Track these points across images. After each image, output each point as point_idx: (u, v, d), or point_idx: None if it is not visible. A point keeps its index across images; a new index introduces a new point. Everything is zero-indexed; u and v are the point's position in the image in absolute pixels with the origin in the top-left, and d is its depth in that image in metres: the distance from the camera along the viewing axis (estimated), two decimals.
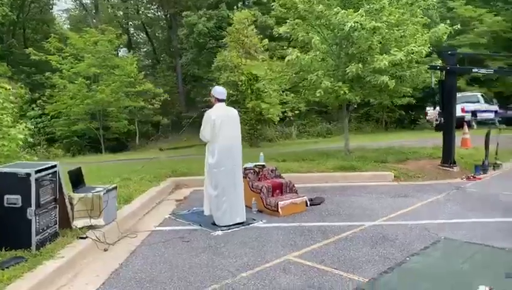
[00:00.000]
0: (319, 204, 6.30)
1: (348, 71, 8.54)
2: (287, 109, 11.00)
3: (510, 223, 5.23)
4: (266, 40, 20.50)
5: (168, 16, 30.95)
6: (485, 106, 19.93)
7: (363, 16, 8.12)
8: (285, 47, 11.02)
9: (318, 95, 8.80)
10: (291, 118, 20.26)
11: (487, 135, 8.95)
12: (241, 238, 4.93)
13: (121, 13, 33.92)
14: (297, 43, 10.10)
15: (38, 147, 19.61)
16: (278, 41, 24.88)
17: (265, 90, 11.28)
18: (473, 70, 10.33)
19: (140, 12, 34.46)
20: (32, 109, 20.17)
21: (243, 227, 5.34)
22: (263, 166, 6.46)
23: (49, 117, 21.52)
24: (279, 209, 5.74)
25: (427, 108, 20.91)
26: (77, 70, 20.32)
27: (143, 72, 23.27)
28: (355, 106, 10.79)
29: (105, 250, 4.63)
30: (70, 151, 20.79)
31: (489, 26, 24.73)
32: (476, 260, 4.05)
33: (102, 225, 4.96)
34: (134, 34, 38.13)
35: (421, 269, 3.90)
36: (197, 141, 25.11)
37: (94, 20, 30.09)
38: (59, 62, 20.64)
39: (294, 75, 9.89)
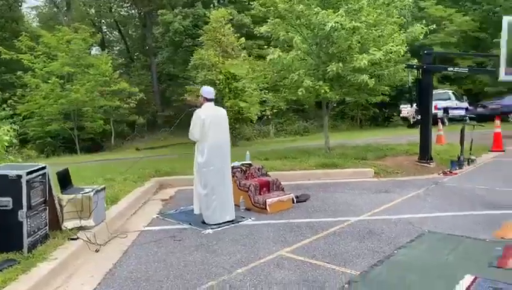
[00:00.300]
0: (305, 201, 6.43)
1: (328, 70, 8.70)
2: (267, 108, 11.12)
3: (487, 216, 5.47)
4: (243, 38, 20.57)
5: (142, 14, 30.60)
6: (456, 103, 20.57)
7: (343, 16, 8.29)
8: (265, 46, 11.09)
9: (300, 94, 8.94)
10: (269, 116, 20.45)
11: (462, 131, 9.28)
12: (232, 236, 5.00)
13: (93, 11, 33.35)
14: (278, 43, 10.22)
15: (11, 148, 19.14)
16: (255, 40, 25.09)
17: (246, 89, 11.34)
18: (448, 69, 10.67)
19: (113, 10, 33.94)
20: (3, 109, 19.63)
21: (233, 225, 5.42)
22: (250, 165, 6.55)
23: (21, 117, 20.97)
24: (267, 207, 5.84)
25: (401, 106, 21.52)
26: (50, 69, 19.92)
27: (118, 71, 22.98)
28: (335, 105, 10.98)
29: (97, 251, 4.62)
30: (44, 152, 20.34)
31: (458, 26, 25.53)
32: (459, 251, 4.25)
33: (92, 225, 4.94)
34: (107, 33, 37.54)
35: (409, 261, 4.07)
36: (173, 141, 25.08)
37: (65, 18, 29.44)
38: (31, 61, 20.18)
39: (275, 74, 10.01)
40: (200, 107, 5.56)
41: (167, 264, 4.22)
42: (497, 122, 11.57)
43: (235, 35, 20.32)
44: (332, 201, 6.48)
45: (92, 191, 5.06)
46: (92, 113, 21.01)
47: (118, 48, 37.72)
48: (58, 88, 19.58)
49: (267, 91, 13.93)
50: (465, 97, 22.02)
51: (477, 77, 24.63)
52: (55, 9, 34.09)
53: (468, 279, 3.57)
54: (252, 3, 10.92)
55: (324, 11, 8.55)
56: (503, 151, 11.05)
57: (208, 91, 5.57)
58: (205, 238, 4.99)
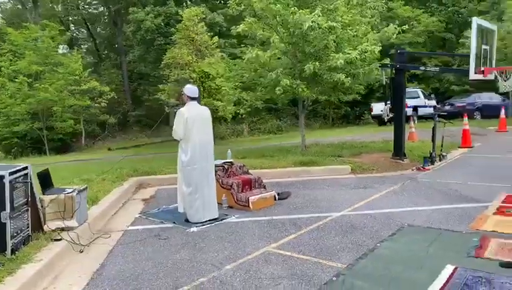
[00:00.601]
0: (286, 198, 6.53)
1: (305, 69, 8.82)
2: (243, 107, 11.16)
3: (461, 209, 5.69)
4: (216, 37, 20.56)
5: (112, 11, 30.05)
6: (425, 102, 21.16)
7: (319, 15, 8.43)
8: (242, 45, 11.13)
9: (278, 92, 9.04)
10: (243, 115, 20.51)
11: (433, 129, 9.59)
12: (218, 233, 5.04)
13: (60, 8, 32.50)
14: (254, 42, 10.28)
15: None
16: (227, 39, 25.09)
17: (223, 88, 11.36)
18: (420, 68, 11.00)
19: (81, 7, 33.18)
20: None
21: (217, 223, 5.45)
22: (231, 163, 6.60)
23: None
24: (250, 204, 5.90)
25: (372, 104, 21.99)
26: (17, 67, 19.32)
27: (88, 70, 22.50)
28: (311, 103, 11.15)
29: (81, 251, 4.57)
30: (11, 153, 19.72)
31: (425, 26, 26.29)
32: (439, 243, 4.43)
33: (76, 226, 4.88)
34: (75, 31, 36.64)
35: (392, 254, 4.21)
36: (146, 140, 24.69)
37: (32, 15, 28.57)
38: None
39: (252, 72, 10.07)
40: (183, 105, 5.56)
41: (155, 262, 4.22)
42: (466, 119, 12.01)
43: (209, 34, 20.29)
44: (312, 197, 6.60)
45: (75, 191, 4.99)
46: (62, 112, 20.49)
47: (86, 46, 36.88)
48: (25, 87, 19.01)
49: (241, 90, 14.01)
50: (433, 95, 22.68)
51: (444, 76, 25.45)
52: (19, 6, 33.01)
53: (449, 269, 3.74)
54: (228, 2, 10.92)
55: (301, 10, 8.67)
56: (472, 147, 11.49)
57: (192, 90, 5.57)
58: (190, 236, 5.01)
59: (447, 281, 3.51)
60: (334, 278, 3.67)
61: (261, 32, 9.31)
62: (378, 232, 4.86)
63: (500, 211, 5.51)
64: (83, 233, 4.90)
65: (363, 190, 7.02)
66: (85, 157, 15.15)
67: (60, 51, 24.56)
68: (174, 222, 5.50)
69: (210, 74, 18.14)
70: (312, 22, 8.29)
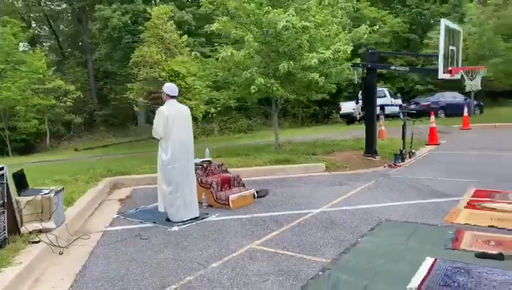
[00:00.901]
0: (264, 196, 6.58)
1: (280, 68, 8.90)
2: (217, 106, 11.16)
3: (434, 204, 5.90)
4: (186, 36, 20.40)
5: (77, 8, 29.26)
6: (391, 100, 21.72)
7: (294, 15, 8.52)
8: (215, 44, 11.08)
9: (253, 91, 9.08)
10: (213, 114, 20.45)
11: (403, 127, 9.88)
12: (200, 232, 5.03)
13: (21, 4, 31.36)
14: (228, 41, 10.28)
15: None
16: (196, 38, 24.94)
17: (195, 87, 11.29)
18: (391, 68, 11.29)
19: (42, 4, 32.13)
20: None
21: (198, 222, 5.44)
22: (210, 161, 6.58)
23: None
24: (230, 203, 5.92)
25: (340, 103, 22.39)
26: None
27: (52, 68, 21.83)
28: (283, 102, 11.24)
29: (61, 253, 4.46)
30: None
31: (391, 27, 26.98)
32: (416, 237, 4.59)
33: (53, 227, 4.75)
34: (37, 28, 35.44)
35: (373, 248, 4.33)
36: (113, 140, 24.17)
37: None
38: None
39: (226, 72, 10.06)
40: (163, 104, 5.51)
41: (139, 262, 4.17)
42: (432, 118, 12.43)
43: (178, 32, 20.11)
44: (290, 195, 6.68)
45: (52, 192, 4.86)
46: (25, 112, 19.82)
47: (48, 44, 35.75)
48: None
49: (211, 89, 13.97)
50: (399, 95, 23.31)
51: (408, 75, 26.21)
52: None
53: (429, 261, 3.88)
54: (200, 0, 10.86)
55: (275, 10, 8.73)
56: (439, 144, 11.91)
57: (171, 89, 5.52)
58: (172, 235, 4.97)
59: (428, 273, 3.65)
60: (320, 273, 3.74)
61: (235, 31, 9.31)
62: (358, 227, 4.98)
63: (470, 205, 5.75)
64: (61, 235, 4.78)
65: (339, 187, 7.17)
66: (51, 158, 14.72)
67: (21, 49, 23.73)
68: (154, 222, 5.44)
69: (180, 73, 17.99)
70: (286, 21, 8.37)
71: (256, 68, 9.35)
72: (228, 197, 5.94)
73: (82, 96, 23.41)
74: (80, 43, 30.67)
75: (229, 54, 8.82)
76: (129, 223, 5.55)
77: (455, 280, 3.48)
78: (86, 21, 27.72)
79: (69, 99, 21.69)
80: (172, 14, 20.91)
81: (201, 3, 10.85)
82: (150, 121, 24.56)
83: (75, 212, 5.62)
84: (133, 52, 20.31)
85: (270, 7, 9.07)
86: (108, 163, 9.30)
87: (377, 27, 10.36)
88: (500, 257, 3.92)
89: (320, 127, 21.61)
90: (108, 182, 7.79)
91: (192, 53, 11.59)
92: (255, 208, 5.97)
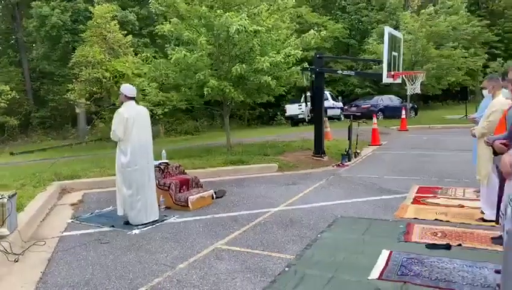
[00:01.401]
0: (222, 197, 6.65)
1: (233, 71, 9.00)
2: (168, 107, 11.06)
3: (383, 200, 6.28)
4: (130, 36, 19.98)
5: (10, 5, 27.61)
6: (333, 103, 22.52)
7: (246, 19, 8.66)
8: (166, 45, 10.97)
9: (206, 93, 9.11)
10: (159, 116, 20.12)
11: (349, 128, 10.33)
12: (162, 234, 5.01)
13: None
14: (180, 42, 10.23)
15: None
16: (140, 38, 24.43)
17: (143, 88, 11.11)
18: (338, 72, 11.75)
19: None
20: None
21: (158, 224, 5.41)
22: (167, 163, 6.55)
23: None
24: (190, 204, 5.94)
25: (286, 105, 22.88)
26: None
27: None
28: (234, 104, 11.34)
29: (16, 261, 4.28)
30: None
31: (331, 32, 27.90)
32: (371, 231, 4.88)
33: (7, 234, 4.55)
34: None
35: (333, 243, 4.56)
36: (51, 143, 23.04)
37: None
38: None
39: (178, 73, 10.00)
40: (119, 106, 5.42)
41: (103, 266, 4.11)
42: (375, 119, 13.09)
43: (122, 32, 19.63)
44: (248, 195, 6.80)
45: (5, 197, 4.64)
46: None
47: None
48: None
49: (159, 90, 13.80)
50: (340, 98, 24.21)
51: (349, 79, 27.30)
52: None
53: (385, 253, 4.16)
54: (148, 1, 10.72)
55: (227, 13, 8.83)
56: (380, 145, 12.56)
57: (129, 89, 5.45)
58: (134, 239, 4.92)
59: (386, 264, 3.92)
60: (287, 269, 3.90)
61: (187, 33, 9.28)
62: (316, 224, 5.20)
63: (416, 200, 6.18)
64: (15, 241, 4.59)
65: (294, 186, 7.39)
66: None
67: None
68: (112, 226, 5.35)
69: (125, 73, 17.59)
70: (239, 25, 8.49)
71: (209, 70, 9.39)
72: (188, 199, 5.95)
73: (17, 97, 22.11)
74: (14, 42, 28.94)
75: (182, 55, 8.79)
76: (86, 227, 5.41)
77: (411, 270, 3.77)
78: (21, 18, 26.23)
79: (2, 101, 20.39)
80: (116, 14, 20.38)
81: (149, 3, 10.71)
82: (91, 123, 23.73)
83: (27, 218, 5.38)
84: (74, 52, 19.56)
85: (221, 10, 9.15)
86: (55, 167, 8.92)
87: (325, 32, 10.76)
88: (447, 247, 4.28)
89: (267, 129, 21.94)
90: (57, 187, 7.48)
91: (143, 54, 11.39)
92: (214, 209, 6.03)
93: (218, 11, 9.05)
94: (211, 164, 8.86)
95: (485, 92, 5.46)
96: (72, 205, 6.61)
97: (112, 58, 18.37)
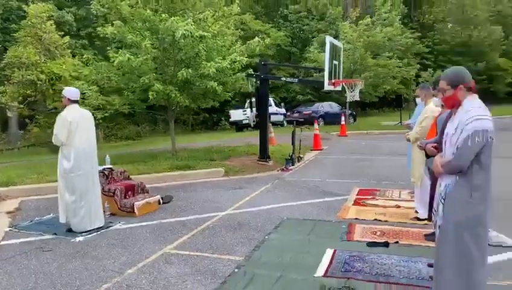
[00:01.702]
0: (169, 202, 6.62)
1: (178, 75, 8.97)
2: (108, 112, 10.79)
3: (326, 202, 6.54)
4: (67, 37, 19.23)
5: None
6: (276, 109, 22.97)
7: (192, 24, 8.68)
8: (109, 48, 10.67)
9: (151, 96, 9.00)
10: (98, 120, 19.47)
11: (293, 133, 10.62)
12: (108, 241, 4.92)
13: None
14: (122, 44, 10.04)
15: None
16: (77, 39, 23.57)
17: (83, 91, 10.73)
18: (281, 79, 12.03)
19: None
20: None
21: (103, 231, 5.29)
22: (111, 169, 6.41)
23: None
24: (136, 210, 5.86)
25: (230, 111, 23.01)
26: None
27: None
28: (178, 109, 11.27)
29: None
30: None
31: (274, 40, 28.46)
32: (316, 232, 5.09)
33: None
34: None
35: (280, 244, 4.70)
36: None
37: None
38: None
39: (121, 76, 9.80)
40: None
41: (47, 274, 3.98)
42: (316, 125, 13.53)
43: (58, 33, 18.84)
44: (195, 200, 6.82)
45: None
46: None
47: None
48: None
49: (100, 94, 13.41)
50: (282, 104, 24.74)
51: (291, 86, 27.95)
52: None
53: (329, 252, 4.37)
54: (90, 2, 10.44)
55: (173, 18, 8.80)
56: (322, 149, 12.99)
57: (73, 92, 5.30)
58: (78, 246, 4.79)
59: (331, 262, 4.12)
60: (236, 270, 3.98)
61: (131, 36, 9.13)
62: (263, 226, 5.34)
63: (357, 202, 6.50)
64: None
65: (240, 190, 7.49)
66: None
67: None
68: (54, 233, 5.16)
69: (62, 76, 16.90)
70: (185, 30, 8.49)
71: (153, 74, 9.30)
72: (134, 205, 5.87)
73: None
74: None
75: (126, 58, 8.64)
76: (26, 236, 5.17)
77: (353, 266, 4.00)
78: None
79: None
80: (52, 14, 19.53)
81: (89, 3, 10.43)
82: (24, 127, 22.48)
83: None
84: (6, 53, 18.48)
85: (166, 14, 9.11)
86: None
87: (269, 40, 11.00)
88: (386, 244, 4.57)
89: (212, 134, 21.91)
90: None
91: (84, 56, 11.04)
92: (161, 214, 5.99)
93: (163, 15, 8.99)
94: (156, 169, 8.76)
95: (418, 99, 5.86)
96: (9, 213, 6.28)
97: (47, 60, 17.57)
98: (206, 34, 8.97)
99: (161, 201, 6.38)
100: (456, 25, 36.37)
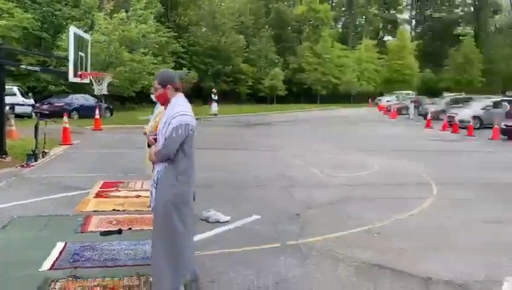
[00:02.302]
0: None
1: None
2: None
3: (66, 197, 6.39)
4: None
5: None
6: (22, 100, 20.67)
7: None
8: None
9: None
10: None
11: (36, 127, 9.83)
12: None
13: None
14: None
15: None
16: None
17: None
18: (21, 66, 10.90)
19: None
20: None
21: None
22: None
23: None
24: None
25: None
26: None
27: None
28: None
29: None
30: None
31: (19, 22, 25.34)
32: (49, 227, 5.01)
33: None
34: None
35: (6, 243, 4.46)
36: None
37: None
38: None
39: None
40: None
41: None
42: (65, 118, 12.82)
43: None
44: None
45: None
46: None
47: None
48: None
49: None
50: (30, 94, 22.38)
51: (42, 75, 25.43)
52: None
53: (60, 245, 4.40)
54: None
55: None
56: (72, 144, 12.41)
57: None
58: None
59: (60, 254, 4.17)
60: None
61: None
62: None
63: (99, 194, 6.62)
64: None
65: None
66: None
67: None
68: None
69: None
70: None
71: None
72: None
73: None
74: None
75: None
76: None
77: (83, 256, 4.16)
78: None
79: None
80: None
81: None
82: None
83: None
84: None
85: None
86: None
87: (5, 21, 9.86)
88: (119, 231, 4.88)
89: None
90: None
91: None
92: None
93: None
94: None
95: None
96: None
97: None
98: None
99: None
100: (208, 30, 39.89)
